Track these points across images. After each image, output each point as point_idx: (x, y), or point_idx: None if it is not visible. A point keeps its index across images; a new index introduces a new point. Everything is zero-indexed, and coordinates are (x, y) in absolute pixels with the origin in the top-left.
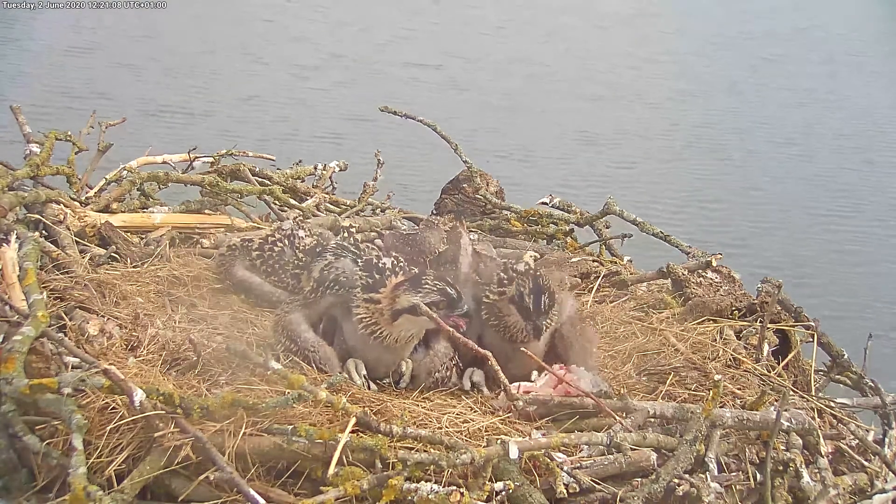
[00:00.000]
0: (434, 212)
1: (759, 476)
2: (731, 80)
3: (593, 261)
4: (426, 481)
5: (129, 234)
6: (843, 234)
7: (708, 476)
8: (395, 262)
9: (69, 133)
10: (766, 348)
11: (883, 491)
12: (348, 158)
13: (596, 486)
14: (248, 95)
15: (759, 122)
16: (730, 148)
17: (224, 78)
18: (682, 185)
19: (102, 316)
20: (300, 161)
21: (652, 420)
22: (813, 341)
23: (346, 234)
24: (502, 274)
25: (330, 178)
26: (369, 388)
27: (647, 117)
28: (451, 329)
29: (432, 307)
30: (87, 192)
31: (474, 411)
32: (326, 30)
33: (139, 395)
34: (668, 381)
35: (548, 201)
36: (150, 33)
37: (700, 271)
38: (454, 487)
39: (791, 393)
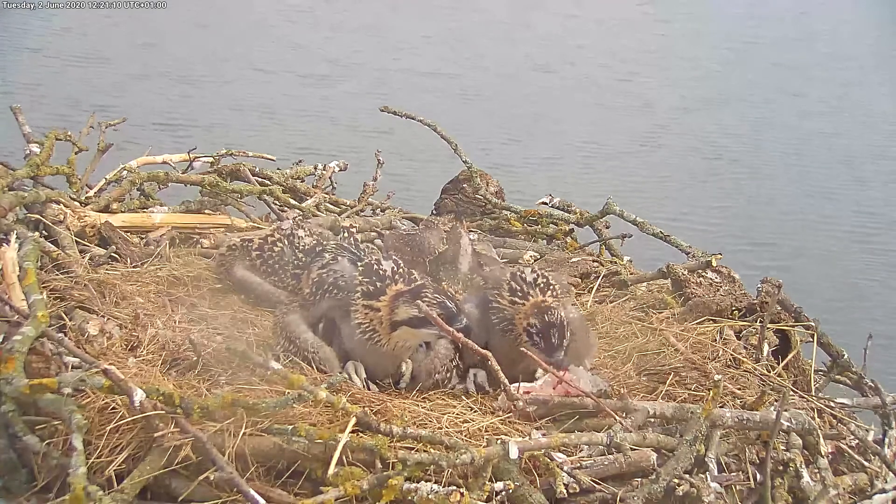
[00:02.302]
0: (434, 212)
1: (759, 476)
2: (745, 87)
3: (593, 261)
4: (426, 481)
5: (129, 234)
6: (861, 243)
7: (708, 476)
8: (396, 266)
9: (69, 133)
10: (766, 348)
11: (883, 491)
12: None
13: (596, 486)
14: (256, 105)
15: (771, 129)
16: (747, 157)
17: (232, 87)
18: (698, 194)
19: (102, 316)
20: (300, 161)
21: (652, 420)
22: (813, 341)
23: (346, 234)
24: (513, 284)
25: (330, 178)
26: (369, 389)
27: (659, 125)
28: (459, 335)
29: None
30: (87, 192)
31: (474, 411)
32: (335, 37)
33: (139, 395)
34: (668, 381)
35: (548, 201)
36: (155, 41)
37: (700, 271)
38: (454, 487)
39: (791, 393)
